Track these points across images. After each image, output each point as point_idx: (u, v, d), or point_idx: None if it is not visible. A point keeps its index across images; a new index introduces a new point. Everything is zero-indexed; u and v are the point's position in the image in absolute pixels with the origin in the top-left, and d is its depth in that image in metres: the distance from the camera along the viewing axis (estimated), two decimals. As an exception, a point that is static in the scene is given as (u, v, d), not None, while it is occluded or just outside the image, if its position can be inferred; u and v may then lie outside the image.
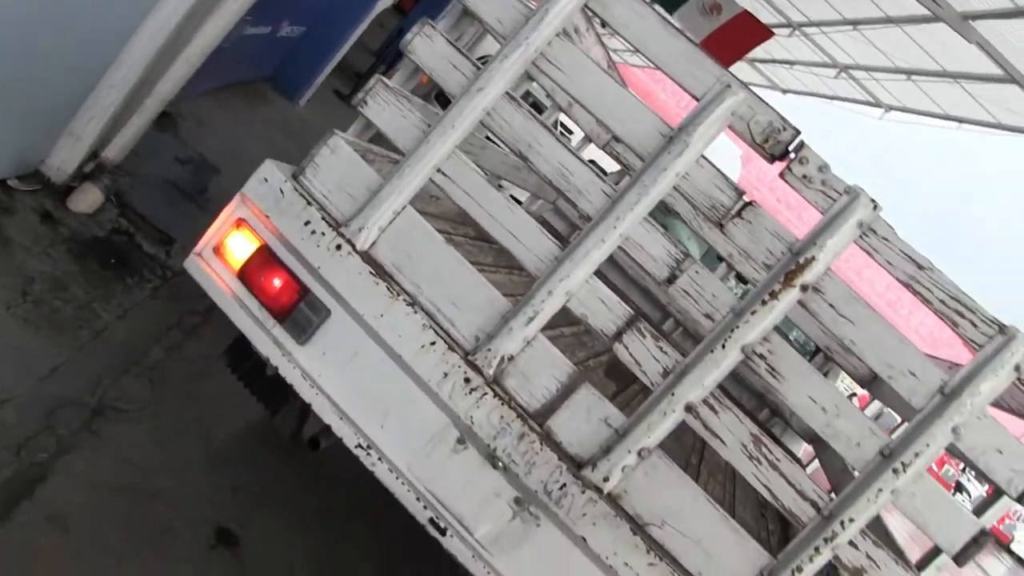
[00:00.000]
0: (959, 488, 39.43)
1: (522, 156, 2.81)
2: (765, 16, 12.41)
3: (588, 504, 2.67)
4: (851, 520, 2.57)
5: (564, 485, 2.68)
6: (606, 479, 2.68)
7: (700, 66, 2.65)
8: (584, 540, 2.67)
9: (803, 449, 5.77)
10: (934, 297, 2.57)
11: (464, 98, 2.80)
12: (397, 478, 2.79)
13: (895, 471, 2.54)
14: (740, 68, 14.85)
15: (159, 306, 4.46)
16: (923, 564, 2.87)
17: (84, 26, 3.74)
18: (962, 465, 40.29)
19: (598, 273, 2.74)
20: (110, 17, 3.92)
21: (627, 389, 4.02)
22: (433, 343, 2.77)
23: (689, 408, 2.64)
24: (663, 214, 6.27)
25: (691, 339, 5.83)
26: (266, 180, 2.94)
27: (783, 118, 2.62)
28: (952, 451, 2.63)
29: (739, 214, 2.64)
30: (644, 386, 2.74)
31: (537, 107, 10.00)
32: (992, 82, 9.36)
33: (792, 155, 2.60)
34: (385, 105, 2.93)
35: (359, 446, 2.82)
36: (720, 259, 5.91)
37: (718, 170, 2.66)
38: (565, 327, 4.21)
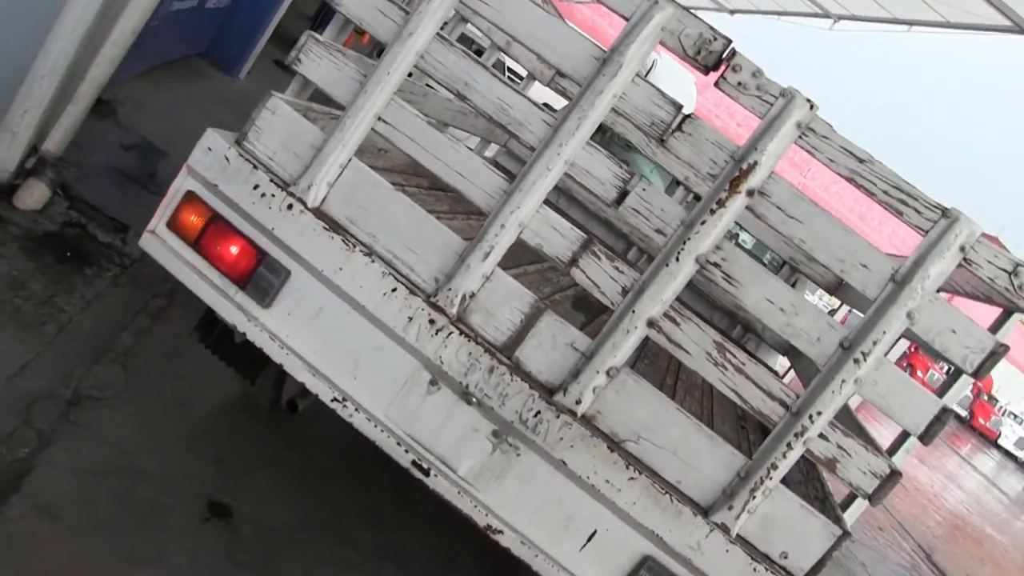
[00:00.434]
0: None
1: (460, 95, 2.82)
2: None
3: (564, 428, 2.73)
4: (819, 413, 2.65)
5: (538, 412, 2.74)
6: (578, 402, 2.74)
7: (626, -15, 2.66)
8: (564, 463, 2.74)
9: (779, 362, 5.88)
10: (877, 188, 2.63)
11: (396, 44, 2.80)
12: (376, 426, 2.84)
13: (856, 361, 2.62)
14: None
15: (122, 293, 4.44)
16: (893, 449, 2.97)
17: (2, 17, 3.66)
18: (946, 368, 41.19)
19: (552, 205, 2.77)
20: (30, 5, 3.85)
21: (596, 319, 4.07)
22: (394, 289, 2.80)
23: (651, 323, 2.69)
24: (623, 150, 6.30)
25: (648, 258, 5.89)
26: (210, 149, 2.93)
27: (712, 28, 2.65)
28: (909, 336, 2.72)
29: (679, 128, 2.67)
30: (609, 310, 2.79)
31: (480, 53, 9.92)
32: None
33: (725, 64, 2.64)
34: (319, 60, 2.92)
35: (335, 399, 2.86)
36: (678, 183, 5.96)
37: (654, 87, 2.69)
38: (528, 265, 4.25)
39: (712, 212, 2.62)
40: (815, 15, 13.53)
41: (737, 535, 2.73)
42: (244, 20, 8.82)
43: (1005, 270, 2.60)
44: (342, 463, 4.24)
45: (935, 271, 2.58)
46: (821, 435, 2.68)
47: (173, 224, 3.00)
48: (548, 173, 2.70)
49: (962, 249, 2.58)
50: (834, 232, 2.65)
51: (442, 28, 2.86)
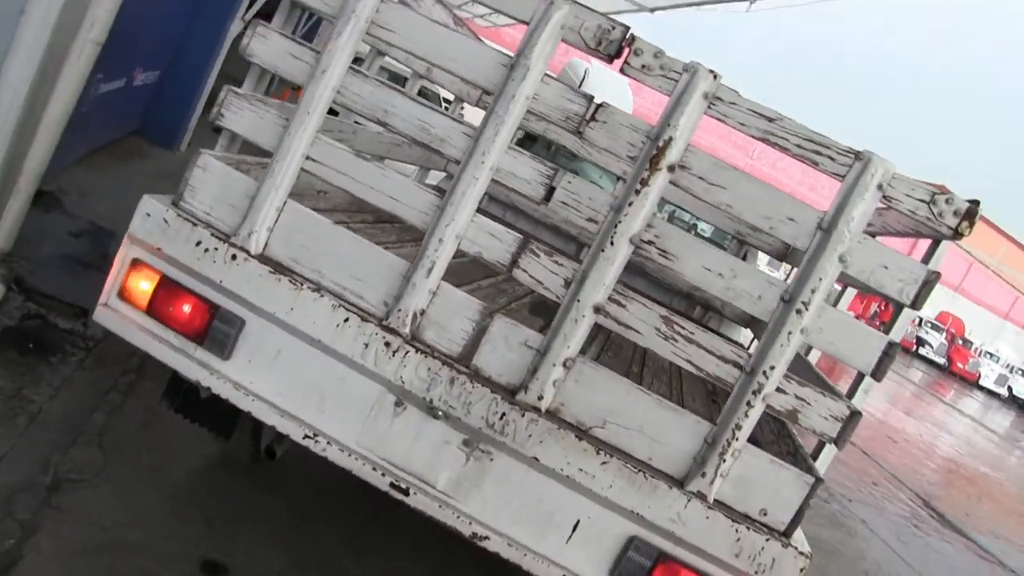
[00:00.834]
0: (920, 342, 40.82)
1: (381, 122, 2.90)
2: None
3: (530, 425, 2.79)
4: (772, 368, 2.73)
5: (504, 415, 2.80)
6: (540, 397, 2.80)
7: (519, -9, 2.76)
8: (536, 460, 2.80)
9: (742, 335, 5.97)
10: (791, 144, 2.73)
11: (312, 83, 2.88)
12: (350, 456, 2.88)
13: (798, 311, 2.70)
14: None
15: (90, 375, 4.46)
16: (852, 393, 3.05)
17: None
18: (918, 320, 41.76)
19: (487, 213, 2.85)
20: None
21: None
22: (346, 320, 2.85)
23: (598, 309, 2.76)
24: (568, 159, 6.38)
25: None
26: (148, 215, 2.98)
27: (609, 18, 2.75)
28: (845, 280, 2.81)
29: (594, 118, 2.76)
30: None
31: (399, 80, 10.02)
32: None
33: (627, 49, 2.73)
34: (241, 112, 3.00)
35: (306, 436, 2.90)
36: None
37: (563, 83, 2.78)
38: (482, 280, 4.32)
39: (637, 192, 2.70)
40: (729, 0, 13.79)
41: (715, 500, 2.79)
42: (176, 92, 8.87)
43: (923, 200, 2.70)
44: (325, 500, 4.29)
45: (858, 213, 2.68)
46: (778, 389, 2.75)
47: (123, 294, 3.04)
48: (476, 182, 2.78)
49: (880, 188, 2.68)
50: (757, 192, 2.74)
51: (359, 63, 2.95)
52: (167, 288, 2.99)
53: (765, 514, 2.82)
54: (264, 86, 3.33)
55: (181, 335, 2.99)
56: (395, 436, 2.87)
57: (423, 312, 2.86)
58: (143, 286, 3.01)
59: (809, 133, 2.72)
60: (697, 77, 2.68)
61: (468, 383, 2.81)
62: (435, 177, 6.18)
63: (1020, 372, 42.48)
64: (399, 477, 2.87)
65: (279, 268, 2.92)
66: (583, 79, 12.46)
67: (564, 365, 2.79)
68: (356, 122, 4.24)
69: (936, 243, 2.97)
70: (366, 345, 2.85)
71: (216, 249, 2.93)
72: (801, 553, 2.78)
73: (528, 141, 6.61)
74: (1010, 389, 41.04)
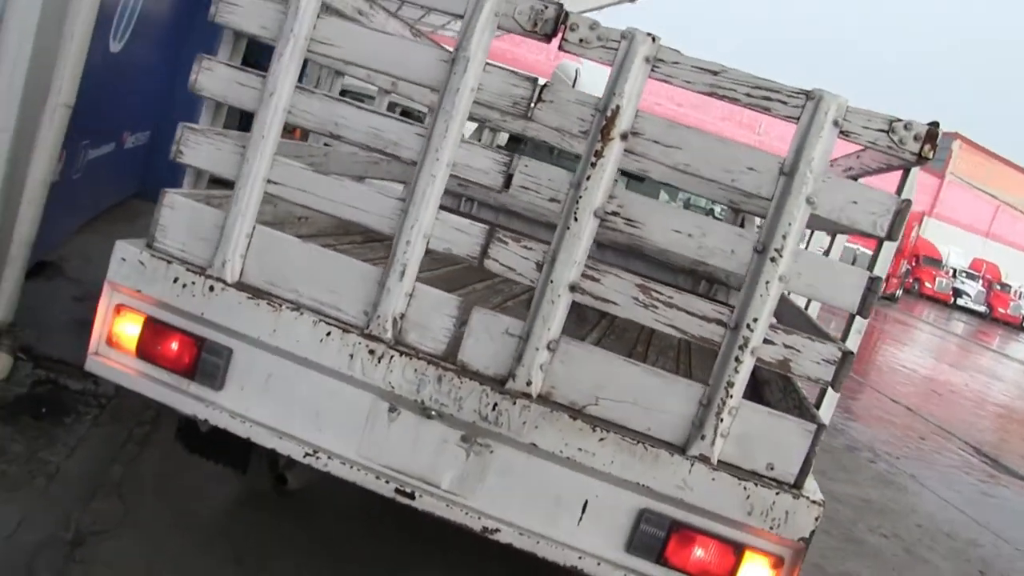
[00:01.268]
0: (957, 293, 40.27)
1: (334, 136, 2.93)
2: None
3: (523, 412, 2.78)
4: (755, 320, 2.70)
5: (495, 405, 2.79)
6: (529, 383, 2.79)
7: (448, -15, 2.78)
8: (535, 446, 2.78)
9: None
10: (739, 93, 2.71)
11: (262, 107, 2.91)
12: (352, 467, 2.89)
13: (772, 260, 2.68)
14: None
15: (105, 431, 4.51)
16: (846, 335, 3.01)
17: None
18: (952, 271, 41.23)
19: (452, 210, 2.85)
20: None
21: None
22: (328, 334, 2.87)
23: (573, 287, 2.76)
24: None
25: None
26: (124, 260, 3.03)
27: (541, -1, 2.75)
28: (819, 225, 2.78)
29: (540, 99, 2.76)
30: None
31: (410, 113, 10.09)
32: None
33: (563, 27, 2.74)
34: (198, 146, 3.04)
35: (307, 455, 2.91)
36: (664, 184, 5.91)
37: (506, 69, 2.79)
38: (477, 283, 4.33)
39: (593, 165, 2.69)
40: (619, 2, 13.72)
41: (719, 462, 2.76)
42: (168, 149, 8.92)
43: (882, 130, 2.66)
44: (353, 525, 4.30)
45: (818, 152, 2.64)
46: (766, 340, 2.72)
47: (112, 340, 3.09)
48: (434, 180, 2.79)
49: (835, 123, 2.65)
50: (714, 147, 2.72)
51: (303, 80, 2.98)
52: (153, 328, 3.03)
53: (772, 468, 2.79)
54: (221, 120, 3.37)
55: (173, 373, 3.02)
56: (394, 442, 2.88)
57: (403, 316, 2.87)
58: (129, 330, 3.05)
59: (756, 80, 2.70)
60: (636, 42, 2.67)
61: (456, 379, 2.81)
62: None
63: (1065, 307, 41.81)
64: (403, 482, 2.87)
65: (257, 293, 2.94)
66: (575, 79, 12.52)
67: (548, 348, 2.78)
68: (326, 143, 4.28)
69: (906, 172, 2.93)
70: (351, 356, 2.86)
71: (193, 283, 2.96)
72: (814, 502, 2.74)
73: (513, 143, 6.63)
74: (1057, 325, 40.46)
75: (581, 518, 2.82)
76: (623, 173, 6.18)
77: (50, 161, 4.53)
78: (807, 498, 2.74)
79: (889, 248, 2.91)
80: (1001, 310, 40.08)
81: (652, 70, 2.70)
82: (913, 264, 34.65)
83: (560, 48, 2.75)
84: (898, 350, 20.50)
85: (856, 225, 2.72)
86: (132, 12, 7.00)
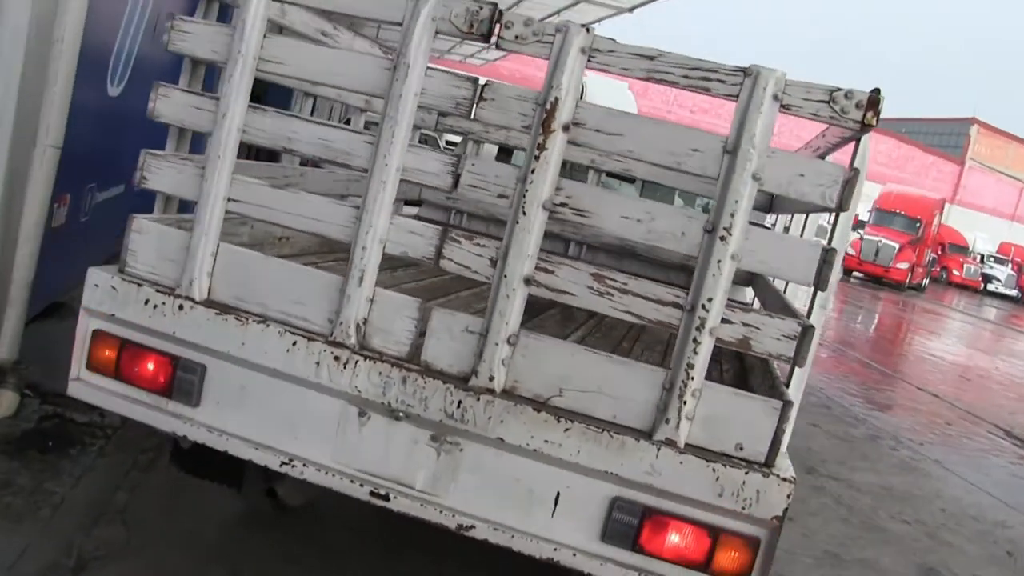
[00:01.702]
0: (987, 279, 39.59)
1: (287, 150, 3.00)
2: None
3: (488, 408, 2.80)
4: (710, 300, 2.71)
5: (460, 403, 2.82)
6: (491, 378, 2.81)
7: (383, -5, 2.84)
8: (502, 440, 2.81)
9: (746, 294, 5.88)
10: (677, 76, 2.73)
11: (217, 128, 2.98)
12: (327, 473, 2.93)
13: (723, 239, 2.69)
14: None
15: (110, 461, 4.59)
16: (810, 311, 3.00)
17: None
18: (980, 257, 40.54)
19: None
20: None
21: (542, 313, 4.14)
22: (295, 343, 2.92)
23: (528, 280, 2.78)
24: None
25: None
26: (97, 286, 3.10)
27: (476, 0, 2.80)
28: (770, 204, 2.79)
29: (482, 98, 2.81)
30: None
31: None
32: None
33: (498, 25, 2.78)
34: (160, 171, 3.12)
35: (283, 463, 2.96)
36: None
37: (447, 72, 2.84)
38: (461, 291, 4.37)
39: (537, 158, 2.73)
40: (615, 12, 13.73)
41: (687, 444, 2.76)
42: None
43: (823, 100, 2.67)
44: (355, 540, 4.33)
45: (760, 127, 2.65)
46: (724, 320, 2.73)
47: (91, 364, 3.16)
48: (385, 185, 2.84)
49: (775, 98, 2.65)
50: (655, 131, 2.75)
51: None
52: (128, 350, 3.10)
53: (741, 448, 2.79)
54: (186, 145, 3.45)
55: (151, 392, 3.09)
56: (366, 445, 2.91)
57: (365, 320, 2.91)
58: (107, 353, 3.12)
59: (694, 62, 2.72)
60: (570, 34, 2.71)
61: (419, 379, 2.84)
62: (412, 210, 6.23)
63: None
64: (377, 484, 2.90)
65: (224, 309, 3.00)
66: (583, 91, 12.59)
67: (508, 342, 2.81)
68: (303, 163, 4.35)
69: (856, 141, 2.93)
70: (318, 363, 2.90)
71: (164, 304, 3.03)
72: (785, 479, 2.73)
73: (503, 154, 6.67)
74: (1091, 307, 39.55)
75: (554, 510, 2.83)
76: (618, 177, 6.27)
77: (43, 203, 4.64)
78: (777, 476, 2.73)
79: (846, 219, 2.91)
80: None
81: (589, 60, 2.73)
82: (939, 252, 34.06)
83: (497, 47, 2.79)
84: (925, 339, 20.21)
85: (805, 198, 2.72)
86: (129, 56, 7.16)
